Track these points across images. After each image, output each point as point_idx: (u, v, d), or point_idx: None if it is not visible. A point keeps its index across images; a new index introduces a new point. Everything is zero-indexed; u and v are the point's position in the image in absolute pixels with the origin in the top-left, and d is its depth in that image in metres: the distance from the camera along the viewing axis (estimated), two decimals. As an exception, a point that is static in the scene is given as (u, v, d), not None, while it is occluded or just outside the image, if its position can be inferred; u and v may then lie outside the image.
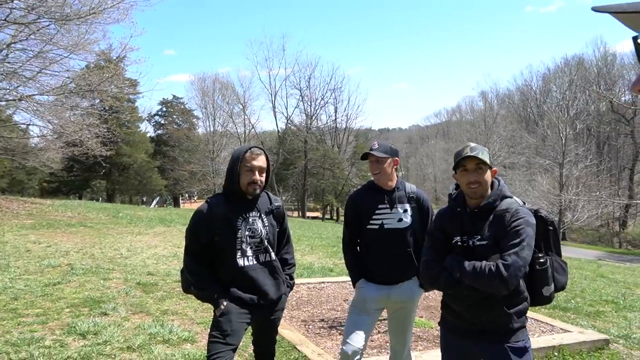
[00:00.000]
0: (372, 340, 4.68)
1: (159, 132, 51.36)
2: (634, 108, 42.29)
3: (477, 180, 2.31)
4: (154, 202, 47.21)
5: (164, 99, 50.33)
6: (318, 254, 11.07)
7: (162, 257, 9.23)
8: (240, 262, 2.80)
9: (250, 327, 2.96)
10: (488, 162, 2.32)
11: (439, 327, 2.58)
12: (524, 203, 2.41)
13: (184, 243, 3.00)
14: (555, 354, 4.48)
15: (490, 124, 46.32)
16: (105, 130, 18.85)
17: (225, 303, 2.74)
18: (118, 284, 6.70)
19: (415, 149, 74.64)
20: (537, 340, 4.65)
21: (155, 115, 51.31)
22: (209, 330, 2.79)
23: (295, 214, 47.92)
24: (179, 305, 5.78)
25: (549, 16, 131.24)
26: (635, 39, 0.68)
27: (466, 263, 2.23)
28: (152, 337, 4.54)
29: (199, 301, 3.05)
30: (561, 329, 5.21)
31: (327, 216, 50.47)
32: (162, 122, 51.64)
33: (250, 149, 2.85)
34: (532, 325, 5.28)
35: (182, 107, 50.95)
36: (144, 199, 48.76)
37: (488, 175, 2.35)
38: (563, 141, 33.31)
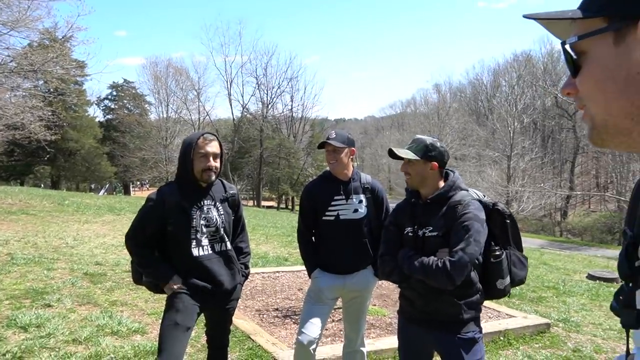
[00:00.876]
0: (327, 329, 4.71)
1: (109, 117, 49.42)
2: (575, 104, 44.42)
3: (407, 171, 2.40)
4: (103, 189, 45.59)
5: (114, 82, 48.39)
6: (273, 244, 11.03)
7: (111, 246, 8.92)
8: (195, 251, 2.74)
9: (203, 316, 2.92)
10: (415, 158, 2.33)
11: (398, 316, 2.62)
12: (484, 195, 2.43)
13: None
14: (501, 338, 4.67)
15: (444, 116, 47.48)
16: (49, 114, 17.89)
17: (178, 285, 2.70)
18: (63, 275, 6.42)
19: (371, 139, 75.47)
20: (484, 326, 4.78)
21: (104, 99, 49.34)
22: (160, 321, 2.72)
23: (251, 203, 47.47)
24: (128, 296, 5.61)
25: (500, 12, 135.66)
26: (563, 44, 0.70)
27: (415, 259, 2.27)
28: (99, 328, 4.39)
29: (150, 292, 2.97)
30: (507, 314, 5.43)
31: (282, 206, 50.38)
32: (112, 106, 49.69)
33: (203, 134, 2.79)
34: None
35: (134, 91, 49.13)
36: (92, 186, 46.95)
37: (421, 168, 2.37)
38: (511, 134, 34.65)
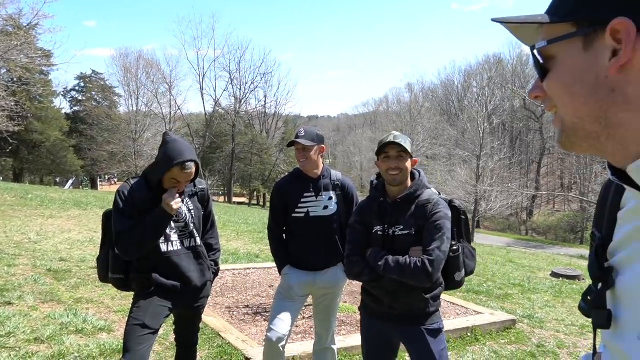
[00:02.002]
0: (297, 326, 4.71)
1: (76, 108, 47.94)
2: (543, 106, 45.66)
3: (397, 166, 2.37)
4: (69, 183, 44.31)
5: (82, 73, 46.93)
6: (244, 240, 10.95)
7: (77, 242, 8.68)
8: (164, 247, 2.68)
9: (172, 314, 2.86)
10: (409, 150, 2.38)
11: (359, 312, 2.64)
12: (439, 193, 2.51)
13: (101, 227, 2.82)
14: (469, 334, 4.76)
15: (415, 115, 47.98)
16: (12, 104, 17.28)
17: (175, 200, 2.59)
18: (25, 271, 6.21)
19: (343, 137, 75.76)
20: (452, 323, 4.92)
21: (71, 90, 47.79)
22: (126, 319, 2.66)
23: (222, 199, 47.06)
24: (94, 293, 5.47)
25: (473, 15, 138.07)
26: (532, 49, 0.71)
27: (390, 258, 2.29)
28: (63, 327, 4.26)
29: (117, 290, 2.90)
30: (474, 311, 5.54)
31: (254, 202, 50.07)
32: (80, 98, 48.22)
33: (185, 163, 2.56)
34: (448, 308, 5.58)
35: (103, 83, 47.81)
36: (58, 180, 45.60)
37: (408, 164, 2.41)
38: (481, 135, 35.28)
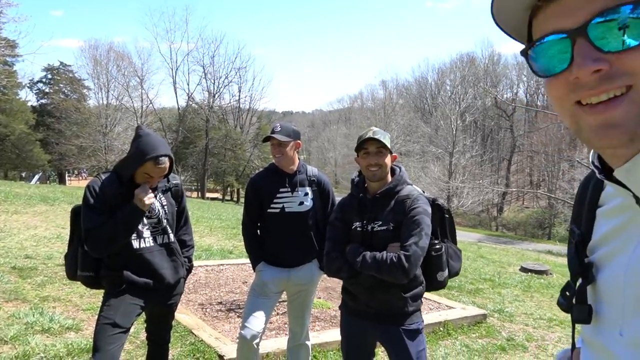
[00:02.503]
0: (271, 322, 4.68)
1: (43, 101, 46.47)
2: (513, 105, 46.77)
3: (377, 162, 2.35)
4: (35, 178, 42.96)
5: (49, 64, 45.47)
6: (217, 236, 10.84)
7: (43, 238, 8.42)
8: (136, 244, 2.62)
9: (144, 312, 2.80)
10: (389, 146, 2.37)
11: (340, 310, 2.62)
12: (423, 192, 2.49)
13: (69, 223, 2.73)
14: (441, 329, 4.83)
15: (390, 112, 48.38)
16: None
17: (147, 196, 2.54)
18: (-12, 269, 5.99)
19: (318, 133, 75.81)
20: (425, 317, 4.93)
21: (38, 82, 46.31)
22: (96, 317, 2.58)
23: (195, 194, 46.41)
24: (61, 291, 5.31)
25: (447, 12, 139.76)
26: (522, 53, 0.68)
27: (367, 254, 2.27)
28: (28, 326, 4.13)
29: (86, 287, 2.81)
30: (447, 305, 5.62)
31: (228, 197, 49.64)
32: (47, 90, 46.76)
33: (158, 158, 2.51)
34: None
35: (71, 75, 46.42)
36: (23, 174, 44.16)
37: (388, 160, 2.40)
38: (453, 132, 35.88)
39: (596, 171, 0.73)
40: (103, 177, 2.61)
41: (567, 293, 0.82)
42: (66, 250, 2.78)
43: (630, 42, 0.58)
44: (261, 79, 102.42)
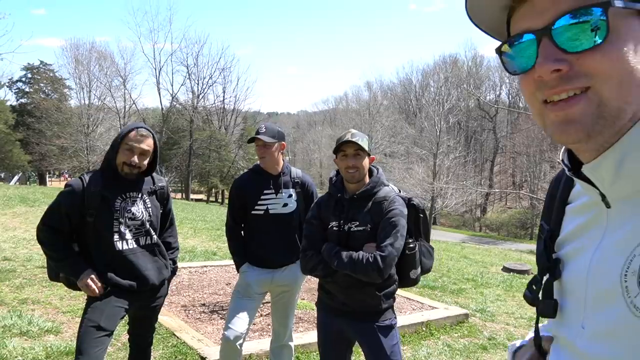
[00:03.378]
0: (255, 324, 4.67)
1: (23, 101, 45.67)
2: (496, 107, 47.34)
3: (354, 165, 2.39)
4: (15, 179, 42.21)
5: (29, 64, 44.67)
6: (201, 237, 10.77)
7: (23, 240, 8.28)
8: (119, 245, 2.59)
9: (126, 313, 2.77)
10: (366, 148, 2.40)
11: (316, 307, 2.66)
12: (400, 191, 2.55)
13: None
14: (424, 329, 4.86)
15: (374, 113, 48.56)
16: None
17: (91, 276, 2.51)
18: (-35, 271, 5.86)
19: (303, 134, 75.72)
20: (408, 317, 5.01)
21: (17, 81, 45.52)
22: (77, 319, 2.55)
23: (179, 195, 46.01)
24: (41, 294, 5.23)
25: (431, 15, 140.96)
26: (496, 51, 0.69)
27: (343, 254, 2.30)
28: (6, 329, 4.05)
29: (66, 288, 2.77)
30: (430, 306, 5.66)
31: (212, 199, 49.31)
32: (27, 90, 45.97)
33: (138, 127, 2.62)
34: (404, 304, 5.67)
35: (52, 75, 45.73)
36: (2, 175, 43.32)
37: (366, 162, 2.44)
38: (437, 133, 36.13)
39: (565, 169, 0.75)
40: (86, 177, 2.59)
41: (534, 287, 0.85)
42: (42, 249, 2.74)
43: (590, 44, 0.60)
44: (246, 79, 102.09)
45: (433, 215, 34.67)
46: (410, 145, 43.46)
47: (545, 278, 0.82)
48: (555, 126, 0.65)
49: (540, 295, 0.82)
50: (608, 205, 0.70)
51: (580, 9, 0.60)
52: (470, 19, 0.72)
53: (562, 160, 0.76)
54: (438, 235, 29.33)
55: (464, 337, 4.87)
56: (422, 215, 2.54)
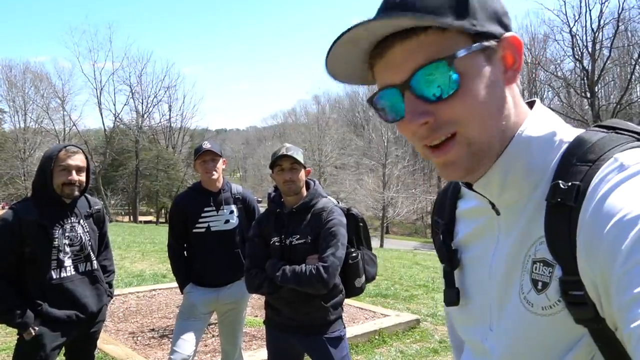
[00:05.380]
0: (206, 345, 4.58)
1: (-49, 126, 43.03)
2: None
3: (291, 178, 2.42)
4: (-56, 210, 39.42)
5: (-44, 87, 42.26)
6: (150, 260, 10.43)
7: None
8: (55, 274, 2.50)
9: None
10: (302, 161, 2.44)
11: (265, 326, 2.64)
12: (339, 202, 2.59)
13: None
14: (377, 337, 4.91)
15: (323, 126, 49.03)
16: None
17: (36, 328, 2.41)
18: None
19: (253, 149, 75.36)
20: (361, 327, 5.05)
21: (-56, 106, 42.84)
22: (11, 357, 2.41)
23: (127, 218, 44.48)
24: (-27, 331, 4.89)
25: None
26: (368, 101, 0.72)
27: (286, 268, 2.31)
28: None
29: (1, 325, 2.62)
30: (382, 314, 5.73)
31: (162, 220, 47.99)
32: (-45, 115, 43.35)
33: (65, 147, 2.57)
34: (357, 313, 5.72)
35: (-18, 98, 43.37)
36: None
37: (302, 174, 2.48)
38: (385, 144, 36.91)
39: (460, 182, 0.81)
40: (18, 207, 2.48)
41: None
42: None
43: (446, 93, 0.65)
44: (192, 97, 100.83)
45: (385, 225, 35.23)
46: (359, 156, 44.16)
47: (445, 268, 0.87)
48: (439, 167, 0.70)
49: (443, 284, 0.87)
50: (498, 213, 0.76)
51: (430, 63, 0.63)
52: (335, 78, 0.74)
53: None
54: (390, 244, 29.82)
55: (416, 342, 4.96)
56: (361, 224, 2.58)
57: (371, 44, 0.67)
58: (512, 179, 0.70)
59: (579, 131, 0.71)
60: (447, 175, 0.70)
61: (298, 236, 2.41)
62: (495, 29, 0.66)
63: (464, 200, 0.87)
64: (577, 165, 0.65)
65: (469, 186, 0.76)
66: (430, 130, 0.67)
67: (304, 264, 2.32)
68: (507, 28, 0.68)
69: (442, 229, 0.89)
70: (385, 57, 0.67)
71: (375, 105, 0.72)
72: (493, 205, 0.76)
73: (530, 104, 0.75)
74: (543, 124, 0.71)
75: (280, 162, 2.44)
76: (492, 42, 0.66)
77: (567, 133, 0.71)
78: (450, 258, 0.85)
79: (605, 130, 0.70)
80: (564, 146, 0.69)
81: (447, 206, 0.90)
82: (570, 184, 0.64)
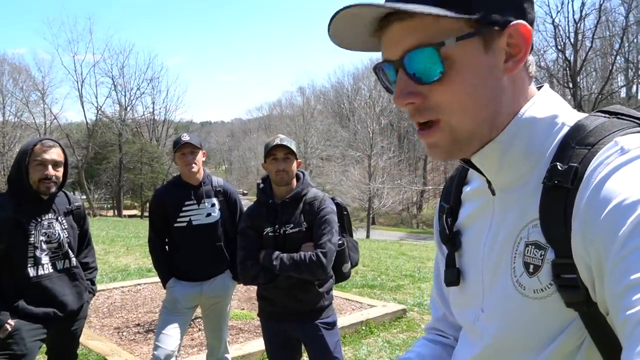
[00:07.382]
0: (193, 339, 4.55)
1: None
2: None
3: (284, 168, 2.46)
4: None
5: None
6: (135, 255, 10.34)
7: None
8: (32, 272, 2.45)
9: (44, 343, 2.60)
10: (295, 152, 2.49)
11: (259, 319, 2.69)
12: (325, 193, 2.66)
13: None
14: (364, 328, 4.93)
15: (309, 118, 49.00)
16: None
17: (12, 322, 2.36)
18: None
19: (238, 142, 74.98)
20: (348, 318, 5.06)
21: None
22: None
23: (111, 212, 43.96)
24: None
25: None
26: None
27: (284, 256, 2.36)
28: None
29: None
30: (368, 304, 5.75)
31: (146, 214, 47.35)
32: None
33: (41, 140, 2.51)
34: (344, 305, 5.73)
35: (-41, 91, 42.35)
36: None
37: (294, 165, 2.52)
38: (370, 135, 36.97)
39: (459, 161, 0.81)
40: None
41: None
42: None
43: (434, 77, 0.65)
44: (176, 89, 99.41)
45: (371, 215, 35.38)
46: (345, 148, 44.17)
47: (447, 251, 0.88)
48: (426, 147, 0.73)
49: (444, 265, 0.88)
50: (493, 193, 0.76)
51: (419, 48, 0.64)
52: (338, 44, 0.73)
53: None
54: (377, 235, 29.98)
55: (403, 332, 4.99)
56: (345, 213, 2.67)
57: (373, 19, 0.67)
58: (510, 157, 0.71)
59: (582, 115, 0.71)
60: (431, 154, 0.73)
61: (292, 225, 2.47)
62: (499, 17, 0.65)
63: (469, 185, 0.88)
64: (575, 149, 0.65)
65: (469, 163, 0.76)
66: (415, 111, 0.69)
67: (301, 252, 2.38)
68: (524, 14, 0.67)
69: (446, 212, 0.89)
70: (386, 34, 0.68)
71: (378, 74, 0.74)
72: (489, 184, 0.76)
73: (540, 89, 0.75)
74: (545, 107, 0.71)
75: (274, 152, 2.47)
76: (494, 29, 0.65)
77: (570, 117, 0.70)
78: (451, 239, 0.86)
79: (607, 115, 0.70)
80: (565, 130, 0.69)
81: (453, 190, 0.90)
82: (567, 165, 0.64)
